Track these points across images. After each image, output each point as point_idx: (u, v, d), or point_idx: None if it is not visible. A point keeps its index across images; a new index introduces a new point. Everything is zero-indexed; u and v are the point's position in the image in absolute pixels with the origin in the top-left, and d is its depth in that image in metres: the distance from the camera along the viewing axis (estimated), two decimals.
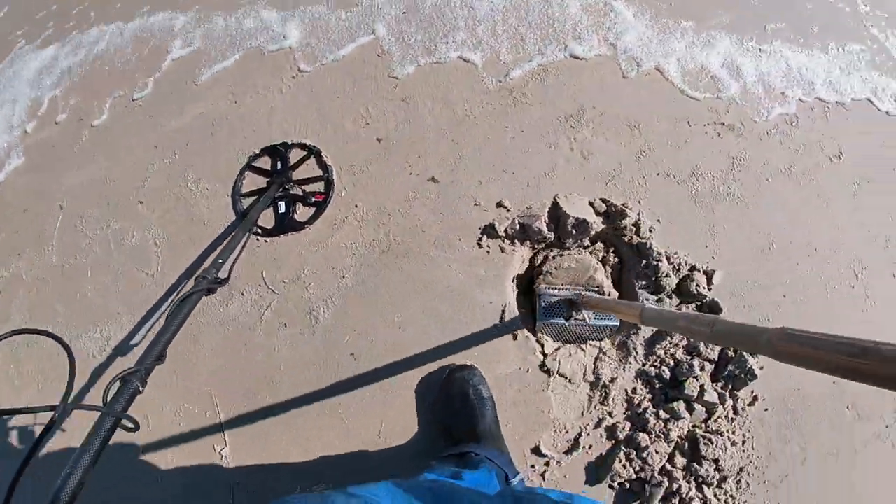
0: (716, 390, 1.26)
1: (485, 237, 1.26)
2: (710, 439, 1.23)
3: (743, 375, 1.26)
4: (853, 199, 1.53)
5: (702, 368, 1.25)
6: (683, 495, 1.21)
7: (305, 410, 1.20)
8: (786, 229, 1.45)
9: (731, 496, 1.30)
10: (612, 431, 1.21)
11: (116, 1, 1.85)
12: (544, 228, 1.24)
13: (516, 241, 1.26)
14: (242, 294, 1.28)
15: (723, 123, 1.53)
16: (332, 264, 1.27)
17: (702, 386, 1.24)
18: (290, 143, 1.44)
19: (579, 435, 1.20)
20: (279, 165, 1.42)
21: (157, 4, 1.78)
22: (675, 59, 1.57)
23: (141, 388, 0.62)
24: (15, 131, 1.70)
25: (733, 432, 1.29)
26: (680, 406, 1.22)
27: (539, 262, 1.27)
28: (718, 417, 1.26)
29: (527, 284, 1.30)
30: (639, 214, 1.30)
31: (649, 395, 1.25)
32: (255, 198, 1.41)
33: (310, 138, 1.42)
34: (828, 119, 1.60)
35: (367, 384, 1.19)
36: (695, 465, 1.22)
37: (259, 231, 1.37)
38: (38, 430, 1.30)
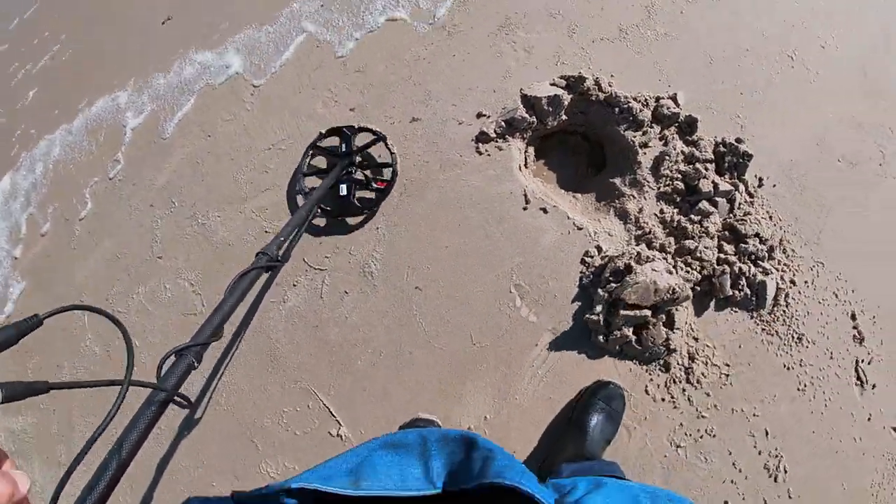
0: (726, 182, 1.57)
1: (480, 144, 1.55)
2: (743, 220, 1.52)
3: (740, 160, 1.59)
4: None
5: (706, 168, 1.56)
6: (748, 274, 1.48)
7: (399, 357, 1.40)
8: (716, 42, 1.83)
9: (785, 265, 1.59)
10: (662, 249, 1.49)
11: (52, 109, 2.08)
12: (526, 115, 1.55)
13: (507, 136, 1.56)
14: (294, 285, 1.48)
15: None
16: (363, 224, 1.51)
17: (713, 182, 1.54)
18: (356, 126, 1.57)
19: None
20: (344, 147, 1.54)
21: (94, 94, 2.03)
22: None
23: (196, 364, 0.62)
24: (4, 263, 1.85)
25: (759, 211, 1.60)
26: (705, 205, 1.51)
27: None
28: (741, 204, 1.55)
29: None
30: (594, 75, 1.64)
31: (676, 210, 1.54)
32: (315, 176, 1.56)
33: (287, 132, 1.69)
34: None
35: (442, 306, 1.41)
36: (742, 245, 1.50)
37: (326, 210, 1.48)
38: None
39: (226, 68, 1.73)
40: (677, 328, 1.37)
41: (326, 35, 1.74)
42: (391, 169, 1.53)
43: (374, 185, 1.51)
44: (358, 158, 1.54)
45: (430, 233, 1.45)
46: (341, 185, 1.49)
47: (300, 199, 1.55)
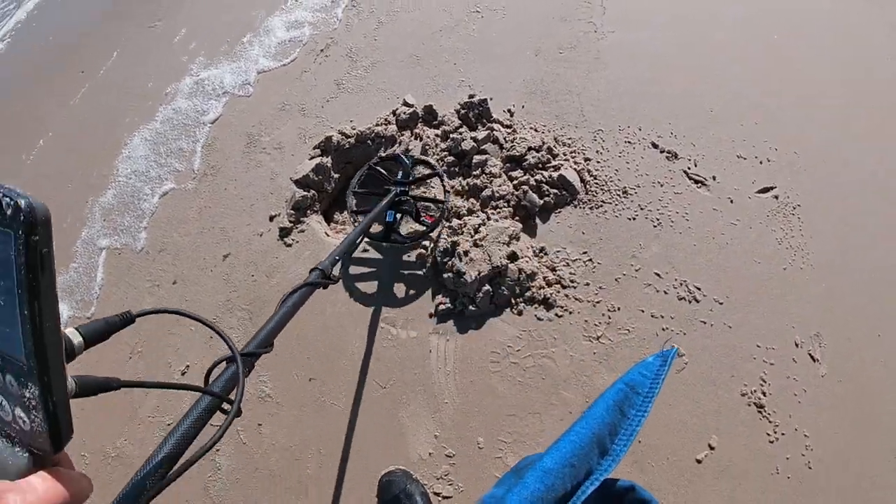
0: (482, 131, 1.97)
1: (285, 239, 1.90)
2: (513, 146, 1.92)
3: (481, 108, 2.01)
4: None
5: (460, 133, 1.96)
6: (545, 180, 1.85)
7: (335, 441, 1.59)
8: (412, 44, 2.33)
9: (571, 152, 1.99)
10: (470, 212, 1.83)
11: None
12: (305, 194, 1.92)
13: (301, 219, 1.91)
14: (217, 450, 1.66)
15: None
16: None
17: (472, 137, 1.94)
18: (414, 156, 1.83)
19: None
20: (400, 175, 1.78)
21: None
22: None
23: (247, 372, 0.67)
24: None
25: (522, 132, 2.00)
26: (478, 158, 1.89)
27: None
28: (504, 137, 1.97)
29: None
30: (336, 130, 2.06)
31: (461, 177, 1.92)
32: (362, 191, 1.79)
33: (137, 334, 1.91)
34: None
35: (339, 377, 1.65)
36: (525, 163, 1.88)
37: (369, 234, 1.69)
38: None
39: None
40: (523, 257, 1.67)
41: (121, 240, 2.08)
42: (443, 205, 1.75)
43: (423, 219, 1.74)
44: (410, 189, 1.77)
45: (288, 334, 1.70)
46: (389, 212, 1.69)
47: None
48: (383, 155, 1.86)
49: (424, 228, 1.74)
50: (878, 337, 1.72)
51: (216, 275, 1.93)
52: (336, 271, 1.10)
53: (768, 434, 1.58)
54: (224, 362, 0.66)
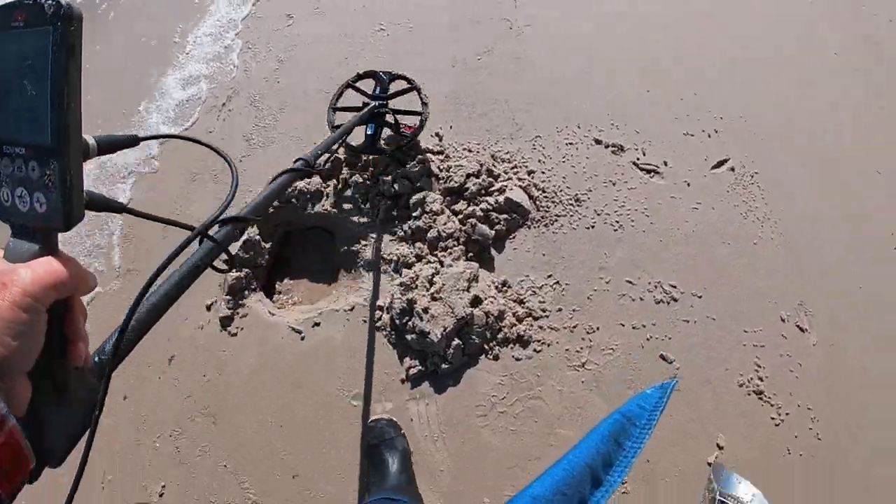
0: (413, 166, 1.82)
1: (228, 328, 1.73)
2: (450, 176, 1.79)
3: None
4: None
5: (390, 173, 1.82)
6: (492, 206, 1.73)
7: None
8: (310, 80, 2.16)
9: (513, 168, 1.87)
10: (420, 258, 1.70)
11: None
12: (240, 275, 1.75)
13: (240, 301, 1.75)
14: None
15: None
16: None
17: (403, 175, 1.80)
18: (392, 72, 1.87)
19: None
20: (378, 90, 1.83)
21: None
22: None
23: (236, 233, 0.72)
24: None
25: (456, 156, 1.87)
26: (417, 197, 1.75)
27: None
28: (438, 167, 1.83)
29: None
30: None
31: (400, 223, 1.78)
32: (345, 112, 1.84)
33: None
34: None
35: (321, 468, 1.52)
36: (466, 193, 1.75)
37: (352, 146, 1.80)
38: None
39: None
40: (487, 298, 1.55)
41: None
42: (421, 116, 1.80)
43: (402, 130, 1.81)
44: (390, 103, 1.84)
45: (257, 432, 1.59)
46: (370, 125, 1.78)
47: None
48: (360, 73, 1.93)
49: (404, 140, 1.82)
50: (859, 289, 1.69)
51: (166, 382, 1.75)
52: (321, 163, 1.14)
53: (773, 418, 1.55)
54: (218, 224, 0.69)
